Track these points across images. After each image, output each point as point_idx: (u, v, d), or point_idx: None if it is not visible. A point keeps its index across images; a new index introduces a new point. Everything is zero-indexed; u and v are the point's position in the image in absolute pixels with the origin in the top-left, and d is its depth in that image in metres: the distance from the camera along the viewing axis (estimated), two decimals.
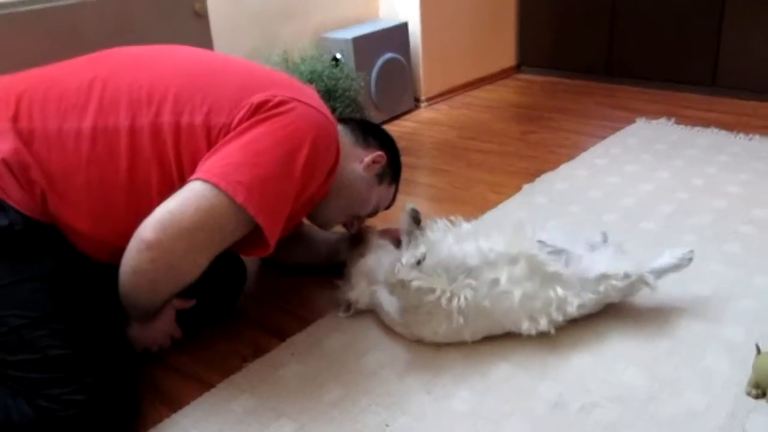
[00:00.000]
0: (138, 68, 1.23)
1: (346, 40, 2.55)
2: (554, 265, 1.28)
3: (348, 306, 1.45)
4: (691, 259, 1.34)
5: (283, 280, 1.62)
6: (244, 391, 1.25)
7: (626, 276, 1.29)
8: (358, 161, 1.43)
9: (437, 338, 1.31)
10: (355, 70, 2.48)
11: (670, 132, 2.43)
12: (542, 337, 1.31)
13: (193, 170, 1.16)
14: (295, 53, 2.45)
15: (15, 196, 1.11)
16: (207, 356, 1.36)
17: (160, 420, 1.19)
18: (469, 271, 1.27)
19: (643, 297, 1.42)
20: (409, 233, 1.40)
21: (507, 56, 3.37)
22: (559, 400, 1.18)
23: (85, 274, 1.19)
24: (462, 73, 3.13)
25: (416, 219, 1.42)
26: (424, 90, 2.94)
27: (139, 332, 1.27)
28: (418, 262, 1.23)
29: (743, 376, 1.19)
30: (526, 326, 1.27)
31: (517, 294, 1.25)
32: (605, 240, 1.44)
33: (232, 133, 1.16)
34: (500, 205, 1.94)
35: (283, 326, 1.44)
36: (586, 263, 1.32)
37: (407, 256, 1.24)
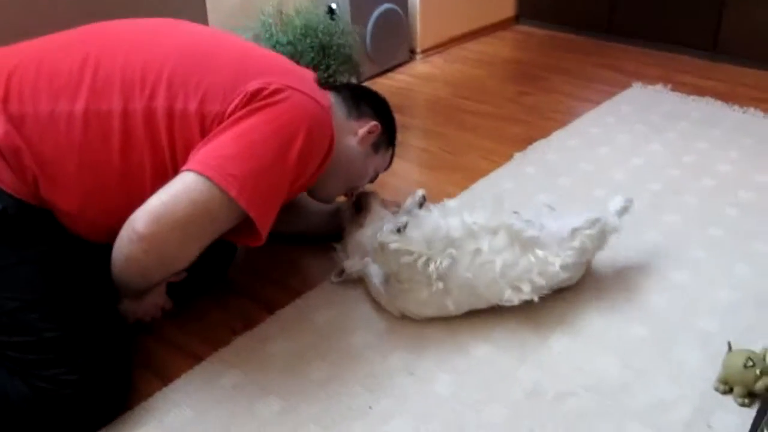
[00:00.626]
0: (131, 47, 1.21)
1: None
2: (530, 231, 1.33)
3: (341, 272, 1.48)
4: (631, 201, 1.47)
5: (275, 248, 1.62)
6: (233, 366, 1.29)
7: (596, 221, 1.36)
8: (353, 134, 1.43)
9: (422, 310, 1.35)
10: (350, 23, 2.43)
11: (665, 100, 2.43)
12: (524, 315, 1.36)
13: (186, 156, 1.16)
14: (290, 2, 2.40)
15: (7, 181, 1.11)
16: (197, 328, 1.39)
17: (151, 393, 1.23)
18: (452, 242, 1.31)
19: (622, 278, 1.48)
20: (409, 212, 1.43)
21: (506, 7, 3.31)
22: (535, 387, 1.23)
23: (77, 255, 1.20)
24: (459, 24, 3.07)
25: (421, 205, 1.46)
26: (420, 42, 2.90)
27: (131, 306, 1.29)
28: (398, 230, 1.28)
29: (713, 370, 1.24)
30: (508, 295, 1.31)
31: (498, 262, 1.30)
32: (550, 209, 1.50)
33: (226, 122, 1.16)
34: (491, 174, 1.95)
35: (273, 298, 1.47)
36: (557, 226, 1.37)
37: (389, 225, 1.29)
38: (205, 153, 1.14)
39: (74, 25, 1.30)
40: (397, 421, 1.17)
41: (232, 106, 1.16)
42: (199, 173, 1.12)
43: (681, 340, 1.32)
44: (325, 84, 1.51)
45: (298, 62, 2.16)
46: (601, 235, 1.39)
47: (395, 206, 1.57)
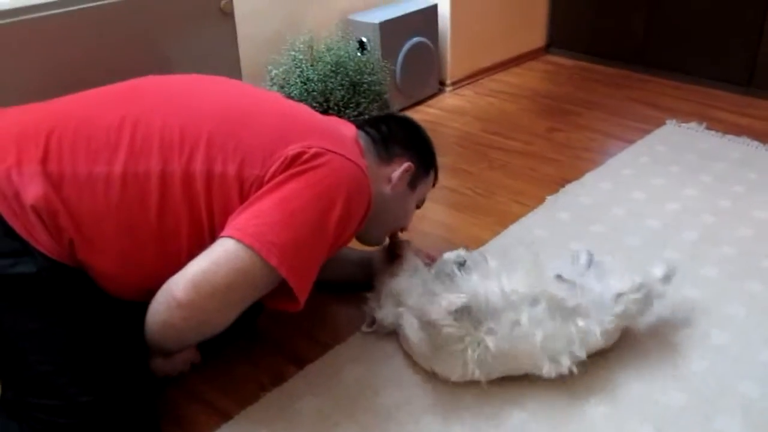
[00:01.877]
0: (169, 109, 1.21)
1: (372, 25, 2.48)
2: (572, 300, 1.29)
3: (372, 321, 1.46)
4: (674, 270, 1.41)
5: None
6: (262, 425, 1.27)
7: (641, 286, 1.32)
8: (387, 181, 1.41)
9: (452, 375, 1.33)
10: (380, 56, 2.42)
11: (700, 139, 2.38)
12: (558, 380, 1.31)
13: (224, 220, 1.15)
14: (321, 36, 2.40)
15: (43, 242, 1.11)
16: (225, 382, 1.38)
17: None
18: (492, 314, 1.28)
19: (658, 339, 1.43)
20: (447, 275, 1.38)
21: (536, 36, 3.28)
22: None
23: (110, 313, 1.20)
24: (489, 55, 3.05)
25: (461, 266, 1.40)
26: (450, 74, 2.88)
27: (161, 364, 1.29)
28: (457, 309, 1.24)
29: None
30: (546, 369, 1.28)
31: (538, 336, 1.26)
32: (590, 260, 1.46)
33: (265, 187, 1.15)
34: (522, 219, 1.92)
35: (302, 351, 1.46)
36: (599, 288, 1.34)
37: (448, 300, 1.24)
38: (244, 219, 1.13)
39: (110, 82, 1.31)
40: None
41: (272, 170, 1.16)
42: (239, 240, 1.11)
43: (721, 407, 1.28)
44: (355, 121, 1.50)
45: (328, 99, 2.17)
46: (647, 301, 1.35)
47: (428, 258, 1.54)
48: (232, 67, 1.93)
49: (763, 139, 2.33)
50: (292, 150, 1.17)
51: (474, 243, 1.80)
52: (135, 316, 1.18)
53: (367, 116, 2.32)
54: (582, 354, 1.29)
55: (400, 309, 1.40)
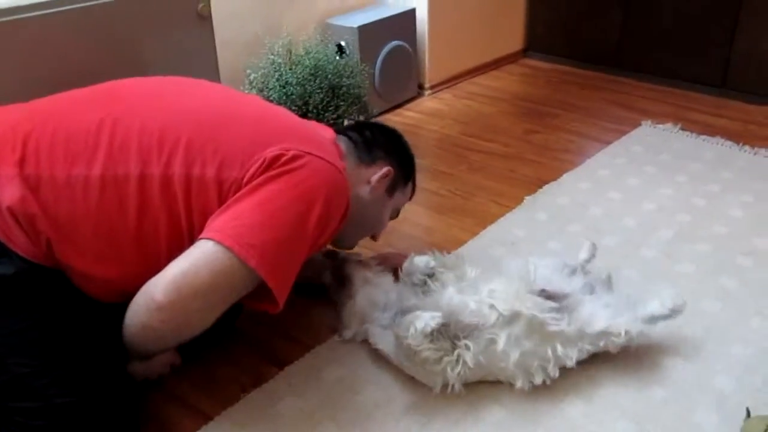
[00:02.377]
0: (148, 111, 1.21)
1: (351, 29, 2.49)
2: (556, 325, 1.28)
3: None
4: (683, 306, 1.34)
5: None
6: (243, 427, 1.27)
7: (626, 333, 1.30)
8: (365, 183, 1.42)
9: (430, 381, 1.31)
10: (359, 60, 2.43)
11: (675, 140, 2.41)
12: None
13: (203, 222, 1.15)
14: (299, 40, 2.40)
15: (20, 244, 1.11)
16: (206, 384, 1.38)
17: None
18: (467, 330, 1.27)
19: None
20: (418, 285, 1.37)
21: (514, 40, 3.31)
22: None
23: (87, 316, 1.19)
24: (467, 59, 3.07)
25: (430, 275, 1.37)
26: (429, 77, 2.90)
27: (140, 367, 1.28)
28: (432, 331, 1.23)
29: None
30: (520, 383, 1.28)
31: (514, 355, 1.26)
32: (608, 284, 1.46)
33: (244, 189, 1.15)
34: (501, 219, 1.94)
35: (282, 352, 1.46)
36: (586, 314, 1.33)
37: (423, 322, 1.22)
38: (223, 221, 1.13)
39: (87, 84, 1.30)
40: None
41: (251, 172, 1.16)
42: (219, 242, 1.11)
43: (698, 401, 1.30)
44: (335, 126, 1.50)
45: (307, 103, 2.18)
46: (628, 343, 1.34)
47: (390, 263, 1.54)
48: (210, 71, 1.93)
49: (737, 139, 2.38)
50: (270, 152, 1.17)
51: (453, 244, 1.81)
52: (113, 319, 1.17)
53: (347, 120, 2.32)
54: (555, 374, 1.30)
55: (365, 326, 1.41)
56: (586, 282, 1.43)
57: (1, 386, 1.11)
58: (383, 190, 1.46)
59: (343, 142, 1.42)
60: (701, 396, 1.31)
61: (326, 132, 1.39)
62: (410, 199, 1.60)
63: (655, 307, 1.34)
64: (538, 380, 1.29)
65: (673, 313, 1.34)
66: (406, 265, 1.40)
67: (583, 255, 1.55)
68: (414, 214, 1.95)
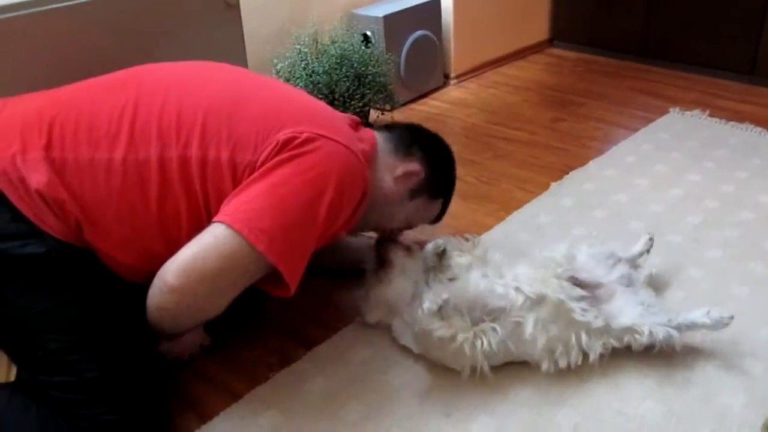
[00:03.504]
0: (168, 95, 1.23)
1: (377, 18, 2.51)
2: (581, 314, 1.28)
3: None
4: (728, 325, 1.30)
5: (310, 283, 1.62)
6: (271, 405, 1.30)
7: (651, 334, 1.29)
8: (391, 172, 1.39)
9: (454, 364, 1.32)
10: (384, 50, 2.45)
11: (703, 127, 2.39)
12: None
13: (219, 205, 1.17)
14: (325, 31, 2.42)
15: (51, 224, 1.14)
16: (235, 364, 1.41)
17: (190, 431, 1.25)
18: (494, 313, 1.28)
19: (661, 303, 1.44)
20: (432, 268, 1.35)
21: (539, 30, 3.30)
22: (576, 431, 1.21)
23: (117, 295, 1.22)
24: (493, 48, 3.07)
25: (441, 256, 1.35)
26: (454, 67, 2.90)
27: (168, 346, 1.31)
28: (439, 308, 1.23)
29: (758, 416, 1.22)
30: (545, 366, 1.29)
31: (541, 340, 1.27)
32: (648, 280, 1.45)
33: (257, 173, 1.16)
34: (526, 206, 1.94)
35: (309, 334, 1.48)
36: (615, 307, 1.33)
37: (428, 302, 1.23)
38: (235, 205, 1.15)
39: (119, 69, 1.33)
40: None
41: (264, 155, 1.17)
42: (229, 226, 1.12)
43: (724, 383, 1.30)
44: (378, 125, 1.47)
45: (333, 91, 2.20)
46: (651, 344, 1.31)
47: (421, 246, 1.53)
48: (238, 61, 1.95)
49: (765, 126, 2.34)
50: (283, 135, 1.17)
51: (479, 229, 1.82)
52: (141, 298, 1.20)
53: (374, 109, 2.34)
54: (578, 360, 1.30)
55: (391, 320, 1.41)
56: (624, 274, 1.41)
57: (36, 361, 1.14)
58: (405, 188, 1.41)
59: (380, 134, 1.40)
60: (728, 378, 1.31)
61: (350, 119, 1.38)
62: (434, 222, 1.53)
63: (698, 315, 1.31)
64: (562, 364, 1.29)
65: (716, 325, 1.30)
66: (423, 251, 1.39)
67: (637, 248, 1.52)
68: None
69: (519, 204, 1.95)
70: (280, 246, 1.14)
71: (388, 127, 1.45)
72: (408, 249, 1.48)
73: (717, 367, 1.33)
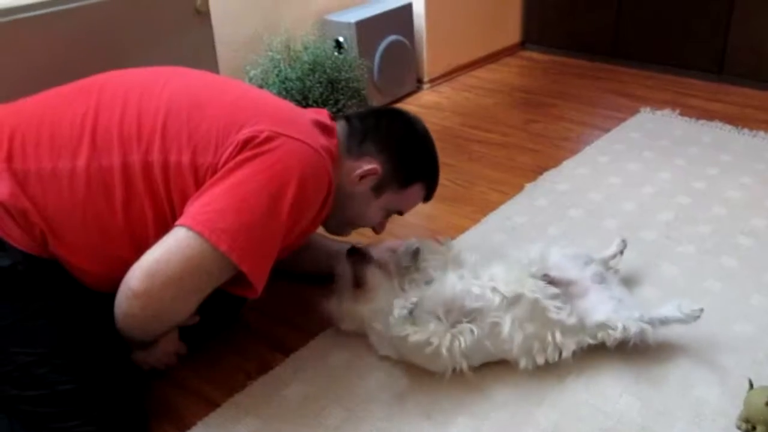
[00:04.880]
0: (127, 100, 1.21)
1: (348, 24, 2.51)
2: (556, 312, 1.29)
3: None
4: (698, 317, 1.31)
5: (287, 288, 1.63)
6: (249, 413, 1.28)
7: (624, 329, 1.30)
8: (349, 175, 1.36)
9: (432, 367, 1.32)
10: (357, 55, 2.45)
11: (674, 125, 2.42)
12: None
13: (183, 208, 1.16)
14: (298, 37, 2.42)
15: (16, 236, 1.12)
16: (212, 372, 1.39)
17: None
18: (471, 314, 1.28)
19: (634, 298, 1.45)
20: (407, 269, 1.37)
21: (511, 33, 3.33)
22: (555, 428, 1.22)
23: (87, 306, 1.21)
24: (465, 53, 3.09)
25: (414, 256, 1.38)
26: (427, 71, 2.91)
27: (142, 356, 1.29)
28: (410, 312, 1.23)
29: (734, 407, 1.23)
30: (523, 363, 1.30)
31: (518, 339, 1.28)
32: (615, 272, 1.46)
33: (218, 174, 1.15)
34: (502, 207, 1.95)
35: (287, 339, 1.47)
36: (589, 303, 1.34)
37: (398, 308, 1.23)
38: (196, 207, 1.13)
39: (83, 74, 1.32)
40: None
41: (225, 156, 1.16)
42: (190, 228, 1.11)
43: (699, 377, 1.31)
44: (339, 114, 1.45)
45: (306, 97, 2.19)
46: (624, 339, 1.32)
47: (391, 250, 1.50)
48: (210, 68, 1.94)
49: (735, 123, 2.39)
50: (242, 135, 1.16)
51: (455, 231, 1.83)
52: (111, 308, 1.18)
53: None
54: (555, 357, 1.30)
55: (365, 329, 1.40)
56: (597, 271, 1.41)
57: (6, 375, 1.12)
58: (366, 189, 1.38)
59: (341, 127, 1.38)
60: (703, 372, 1.32)
61: (317, 114, 1.36)
62: (425, 200, 1.51)
63: (670, 309, 1.32)
64: (540, 361, 1.30)
65: (688, 318, 1.31)
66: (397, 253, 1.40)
67: (610, 250, 1.52)
68: None
69: (494, 206, 1.95)
70: (243, 245, 1.13)
71: (348, 118, 1.41)
72: (383, 265, 1.44)
73: (692, 362, 1.35)
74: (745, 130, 2.34)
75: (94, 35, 1.64)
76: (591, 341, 1.32)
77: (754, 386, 1.22)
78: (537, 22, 3.31)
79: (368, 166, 1.35)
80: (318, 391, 1.33)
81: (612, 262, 1.51)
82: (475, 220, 1.88)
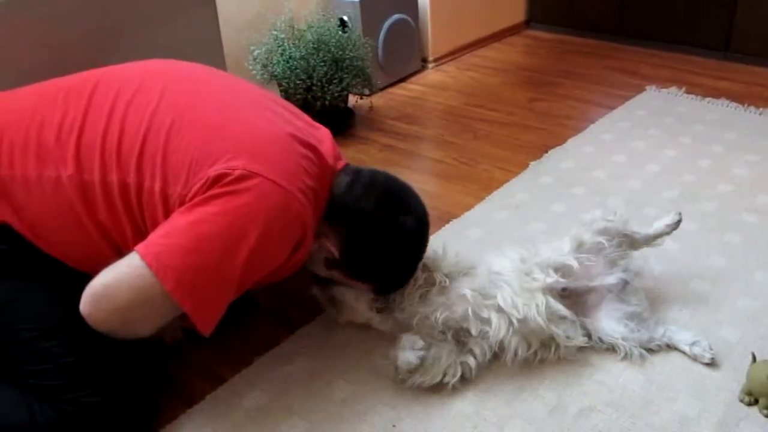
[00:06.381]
0: (113, 111, 1.18)
1: (353, 2, 2.50)
2: (565, 340, 1.29)
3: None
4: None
5: None
6: (256, 387, 1.30)
7: (627, 354, 1.31)
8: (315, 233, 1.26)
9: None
10: (362, 34, 2.44)
11: (679, 103, 2.42)
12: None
13: None
14: (302, 16, 2.41)
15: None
16: (219, 349, 1.40)
17: (175, 416, 1.25)
18: (477, 336, 1.28)
19: (645, 290, 1.45)
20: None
21: (516, 12, 3.31)
22: (558, 403, 1.23)
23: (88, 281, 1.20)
24: (470, 32, 3.07)
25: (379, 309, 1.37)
26: (432, 50, 2.90)
27: None
28: (420, 363, 1.24)
29: (736, 381, 1.24)
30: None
31: (522, 353, 1.29)
32: (630, 280, 1.39)
33: (184, 207, 1.11)
34: (506, 185, 1.95)
35: (293, 317, 1.49)
36: (601, 317, 1.34)
37: (403, 360, 1.23)
38: (154, 237, 1.10)
39: (90, 67, 1.31)
40: None
41: (194, 189, 1.11)
42: (142, 257, 1.07)
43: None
44: (350, 167, 1.33)
45: (311, 76, 2.19)
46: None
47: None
48: (214, 49, 1.94)
49: (740, 101, 2.38)
50: (214, 171, 1.10)
51: (460, 208, 1.83)
52: None
53: (352, 93, 2.33)
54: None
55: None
56: (619, 280, 1.36)
57: (12, 352, 1.14)
58: (321, 256, 1.30)
59: (342, 177, 1.29)
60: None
61: (314, 136, 1.28)
62: (375, 293, 1.37)
63: (681, 341, 1.32)
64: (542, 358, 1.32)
65: (697, 359, 1.30)
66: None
67: (660, 227, 1.43)
68: (420, 182, 1.96)
69: (498, 183, 1.96)
70: (188, 287, 1.07)
71: (356, 173, 1.31)
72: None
73: (695, 336, 1.35)
74: (751, 108, 2.33)
75: (97, 16, 1.63)
76: (594, 344, 1.34)
77: (757, 360, 1.22)
78: (541, 0, 3.29)
79: (330, 245, 1.27)
80: (324, 366, 1.34)
81: (656, 241, 1.44)
82: (480, 198, 1.89)
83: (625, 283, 1.36)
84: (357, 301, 1.38)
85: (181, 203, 1.11)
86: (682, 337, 1.32)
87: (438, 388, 1.27)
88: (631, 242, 1.41)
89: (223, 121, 1.19)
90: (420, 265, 1.35)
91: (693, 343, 1.30)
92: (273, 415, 1.24)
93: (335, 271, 1.33)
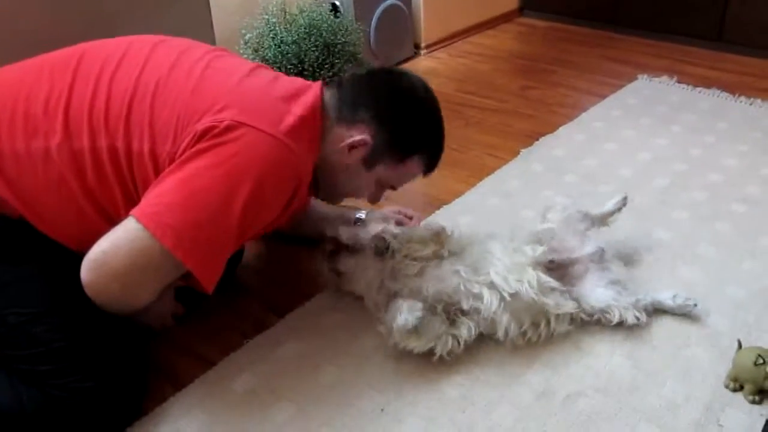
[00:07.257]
0: (100, 79, 1.18)
1: None
2: (555, 307, 1.29)
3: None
4: (690, 311, 1.36)
5: (282, 251, 1.64)
6: (245, 370, 1.30)
7: (621, 316, 1.32)
8: (338, 145, 1.27)
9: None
10: (354, 19, 2.43)
11: (671, 92, 2.42)
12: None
13: None
14: (293, 0, 2.39)
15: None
16: (209, 332, 1.40)
17: (164, 398, 1.25)
18: (468, 312, 1.29)
19: (631, 277, 1.45)
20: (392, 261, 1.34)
21: None
22: (545, 388, 1.23)
23: (79, 265, 1.20)
24: (463, 18, 3.06)
25: (379, 252, 1.35)
26: (424, 37, 2.89)
27: (138, 317, 1.28)
28: (415, 327, 1.23)
29: (723, 367, 1.25)
30: (510, 343, 1.31)
31: (513, 330, 1.29)
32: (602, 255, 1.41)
33: (174, 164, 1.10)
34: (497, 171, 1.95)
35: (282, 300, 1.48)
36: (588, 286, 1.35)
37: (402, 319, 1.22)
38: (148, 198, 1.09)
39: (75, 38, 1.30)
40: (408, 423, 1.18)
41: (183, 146, 1.11)
42: (138, 220, 1.07)
43: (691, 338, 1.33)
44: (332, 81, 1.34)
45: (302, 61, 2.18)
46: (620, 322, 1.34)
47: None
48: (205, 31, 1.93)
49: (732, 91, 2.38)
50: (201, 125, 1.10)
51: (451, 195, 1.83)
52: None
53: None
54: (545, 334, 1.32)
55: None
56: (596, 249, 1.39)
57: (2, 337, 1.13)
58: (356, 161, 1.29)
59: (329, 95, 1.28)
60: (695, 333, 1.34)
61: (295, 83, 1.27)
62: (425, 174, 1.40)
63: (665, 297, 1.36)
64: (533, 340, 1.32)
65: (681, 308, 1.35)
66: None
67: (609, 206, 1.49)
68: None
69: (490, 170, 1.96)
70: (189, 244, 1.08)
71: (340, 84, 1.31)
72: (358, 250, 1.41)
73: (683, 323, 1.36)
74: (743, 98, 2.33)
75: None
76: (586, 318, 1.34)
77: (743, 347, 1.23)
78: None
79: (358, 136, 1.26)
80: (313, 350, 1.34)
81: (610, 220, 1.50)
82: (471, 184, 1.89)
83: (602, 251, 1.40)
84: (363, 271, 1.37)
85: (171, 161, 1.11)
86: (663, 295, 1.36)
87: (426, 371, 1.27)
88: (591, 220, 1.46)
89: (208, 78, 1.19)
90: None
91: (674, 296, 1.35)
92: (262, 398, 1.24)
93: (381, 166, 1.31)
